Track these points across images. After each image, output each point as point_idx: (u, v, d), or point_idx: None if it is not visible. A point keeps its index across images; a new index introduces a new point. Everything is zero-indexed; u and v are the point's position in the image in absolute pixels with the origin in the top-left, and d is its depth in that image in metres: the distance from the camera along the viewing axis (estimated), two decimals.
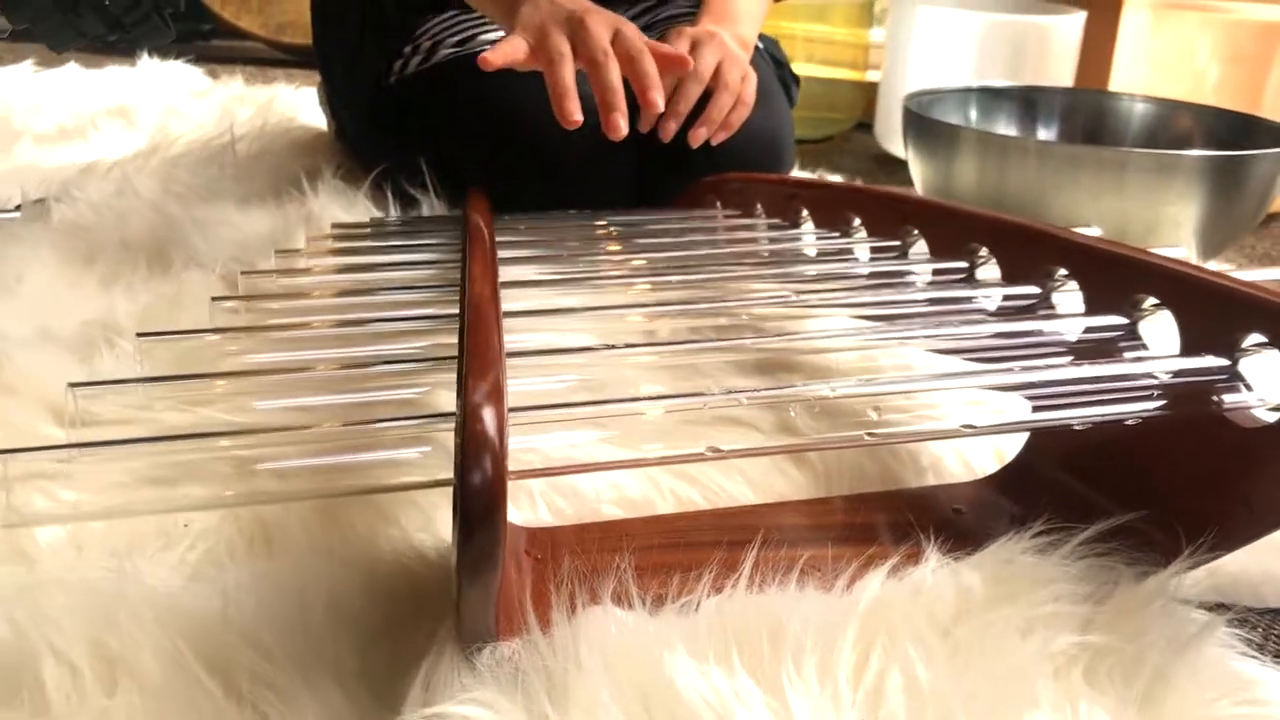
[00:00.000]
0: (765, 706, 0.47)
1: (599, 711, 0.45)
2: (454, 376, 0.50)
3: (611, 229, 0.91)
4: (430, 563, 0.57)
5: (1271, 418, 0.54)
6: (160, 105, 1.63)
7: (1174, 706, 0.49)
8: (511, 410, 0.45)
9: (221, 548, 0.58)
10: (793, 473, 0.69)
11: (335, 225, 1.01)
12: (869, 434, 0.50)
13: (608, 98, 0.83)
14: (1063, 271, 0.65)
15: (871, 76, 1.84)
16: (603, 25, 0.86)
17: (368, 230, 1.00)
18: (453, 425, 0.43)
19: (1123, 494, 0.61)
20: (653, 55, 0.86)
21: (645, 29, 1.22)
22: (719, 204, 1.00)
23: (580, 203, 1.05)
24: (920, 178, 1.12)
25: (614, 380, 0.65)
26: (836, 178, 1.45)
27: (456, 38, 1.12)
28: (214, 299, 0.74)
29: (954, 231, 0.72)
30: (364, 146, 1.22)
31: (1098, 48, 1.48)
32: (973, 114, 1.22)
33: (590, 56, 0.84)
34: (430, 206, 1.07)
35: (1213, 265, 1.06)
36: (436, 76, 1.10)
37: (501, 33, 1.07)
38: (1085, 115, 1.24)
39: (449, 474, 0.45)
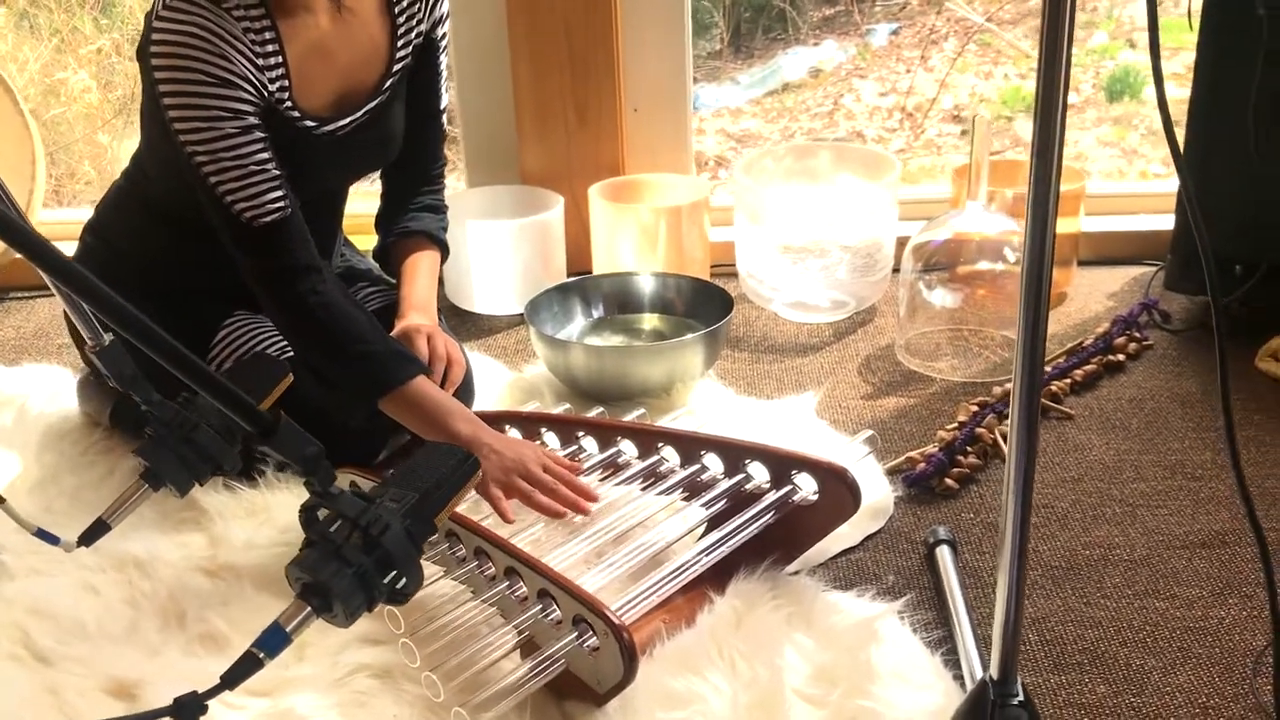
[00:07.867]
0: (703, 683, 1.23)
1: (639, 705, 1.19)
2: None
3: None
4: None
5: (814, 499, 1.38)
6: None
7: (819, 630, 1.32)
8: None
9: None
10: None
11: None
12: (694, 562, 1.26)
13: (572, 506, 1.41)
14: (704, 452, 1.45)
15: None
16: (539, 468, 1.41)
17: None
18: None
19: (774, 540, 1.43)
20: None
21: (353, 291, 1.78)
22: None
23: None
24: (547, 364, 1.88)
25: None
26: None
27: (265, 349, 1.63)
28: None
29: (648, 438, 1.49)
30: None
31: (578, 223, 2.29)
32: (555, 308, 1.98)
33: (550, 489, 1.41)
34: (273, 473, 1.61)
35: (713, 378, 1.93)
36: None
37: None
38: (618, 294, 2.03)
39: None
